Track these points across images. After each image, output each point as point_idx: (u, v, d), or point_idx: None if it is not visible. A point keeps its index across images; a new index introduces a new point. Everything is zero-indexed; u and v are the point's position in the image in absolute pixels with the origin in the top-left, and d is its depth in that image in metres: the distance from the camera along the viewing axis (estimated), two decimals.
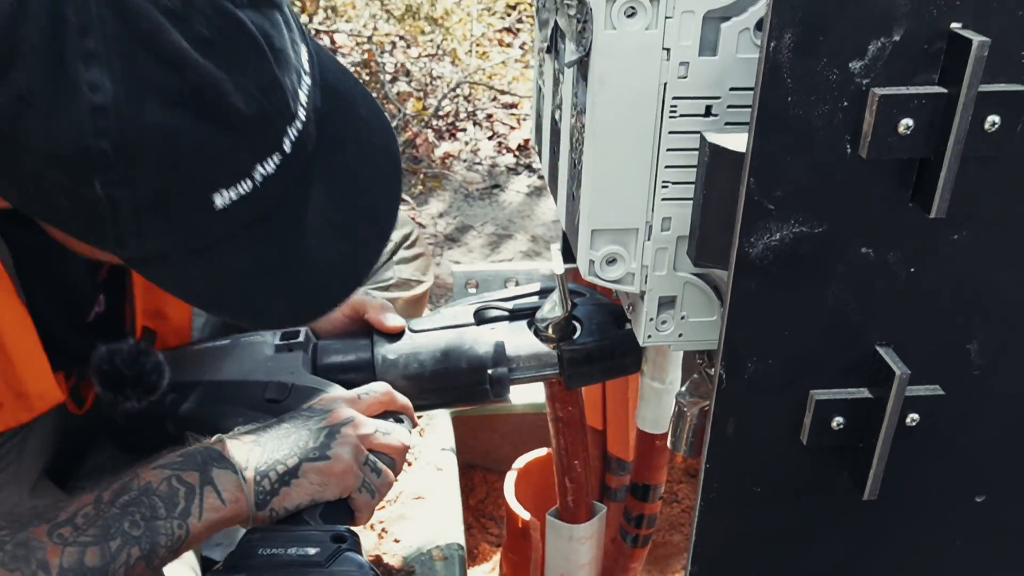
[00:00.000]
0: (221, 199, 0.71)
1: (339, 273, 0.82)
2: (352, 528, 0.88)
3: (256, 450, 0.91)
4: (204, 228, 0.72)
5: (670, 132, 0.78)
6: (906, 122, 0.61)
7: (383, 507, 1.35)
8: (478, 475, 1.79)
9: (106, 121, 0.65)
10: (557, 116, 0.94)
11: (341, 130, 0.81)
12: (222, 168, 0.70)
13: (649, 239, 0.83)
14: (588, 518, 1.27)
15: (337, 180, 0.79)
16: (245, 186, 0.71)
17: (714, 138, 0.71)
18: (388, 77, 2.67)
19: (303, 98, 0.74)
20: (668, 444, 1.02)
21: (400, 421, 1.03)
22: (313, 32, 2.66)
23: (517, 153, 2.57)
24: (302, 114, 0.74)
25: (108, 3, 0.64)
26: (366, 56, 2.68)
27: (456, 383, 1.09)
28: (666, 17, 0.74)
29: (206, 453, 0.89)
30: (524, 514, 1.34)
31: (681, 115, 0.78)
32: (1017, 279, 0.68)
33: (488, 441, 1.75)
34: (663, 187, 0.80)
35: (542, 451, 1.45)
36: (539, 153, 1.09)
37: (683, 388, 1.00)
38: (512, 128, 2.65)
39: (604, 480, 1.39)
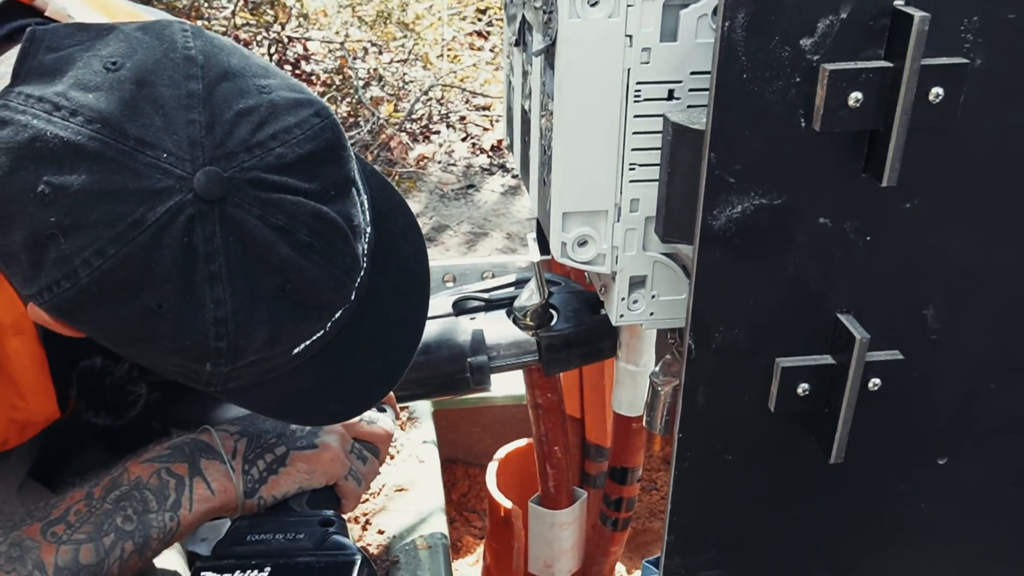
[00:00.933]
0: (299, 348, 0.81)
1: (380, 379, 0.91)
2: (339, 514, 0.90)
3: (243, 440, 0.93)
4: (281, 367, 0.82)
5: (635, 116, 0.81)
6: (855, 95, 0.64)
7: (366, 499, 1.37)
8: (460, 469, 1.81)
9: (225, 328, 0.74)
10: (527, 107, 0.96)
11: (386, 254, 0.90)
12: (307, 333, 0.80)
13: (619, 220, 0.85)
14: (570, 504, 1.30)
15: (382, 303, 0.88)
16: (318, 335, 0.81)
17: (676, 116, 0.74)
18: (361, 83, 2.69)
19: (366, 249, 0.84)
20: (643, 423, 1.05)
21: (383, 411, 1.05)
22: (286, 40, 2.68)
23: (491, 154, 2.59)
24: (364, 263, 0.84)
25: (231, 232, 0.73)
26: (339, 62, 2.70)
27: (437, 372, 1.12)
28: (628, 5, 0.76)
29: (194, 444, 0.91)
30: (506, 503, 1.37)
31: (645, 99, 0.80)
32: (968, 245, 0.72)
33: (469, 435, 1.77)
34: (630, 169, 0.83)
35: (523, 441, 1.47)
36: (511, 147, 1.12)
37: (656, 368, 1.03)
38: (485, 130, 2.67)
39: (584, 467, 1.41)
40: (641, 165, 0.83)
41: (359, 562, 0.82)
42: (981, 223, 0.71)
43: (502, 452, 1.48)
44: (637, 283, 0.89)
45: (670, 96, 0.80)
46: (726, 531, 0.83)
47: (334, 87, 2.60)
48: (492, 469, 1.45)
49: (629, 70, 0.79)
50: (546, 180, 0.89)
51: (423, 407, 1.56)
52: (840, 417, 0.73)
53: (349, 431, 0.98)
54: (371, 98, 2.58)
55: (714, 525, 0.82)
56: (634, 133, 0.82)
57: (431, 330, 1.13)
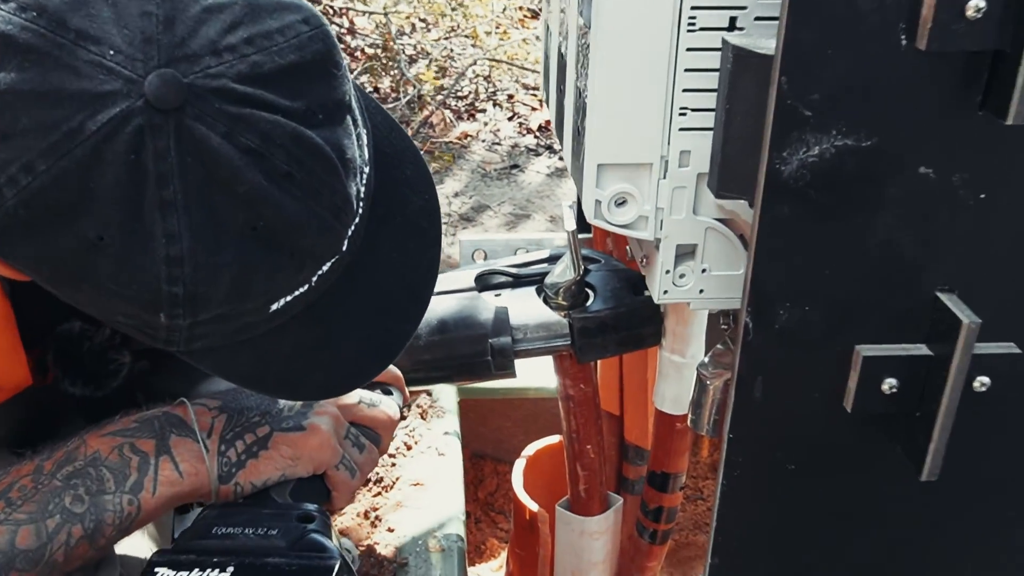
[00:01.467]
0: (277, 304, 0.69)
1: (376, 350, 0.79)
2: (324, 508, 0.77)
3: (222, 416, 0.81)
4: (256, 327, 0.70)
5: (688, 49, 0.67)
6: (976, 3, 0.49)
7: (379, 493, 1.24)
8: (488, 465, 1.68)
9: (180, 269, 0.63)
10: (563, 48, 0.83)
11: (390, 203, 0.78)
12: (285, 286, 0.69)
13: (664, 176, 0.71)
14: (602, 510, 1.16)
15: (382, 259, 0.77)
16: (301, 290, 0.70)
17: (737, 40, 0.59)
18: (407, 59, 2.57)
19: (363, 192, 0.72)
20: (688, 423, 0.91)
21: (389, 393, 0.92)
22: (331, 12, 2.57)
23: (538, 134, 2.46)
24: (360, 209, 0.72)
25: (189, 151, 0.61)
26: (384, 38, 2.58)
27: (453, 353, 0.98)
28: None
29: (165, 418, 0.79)
30: (532, 505, 1.23)
31: (701, 28, 0.66)
32: None
33: (500, 429, 1.64)
34: (680, 114, 0.69)
35: (555, 438, 1.33)
36: (547, 101, 0.98)
37: (705, 359, 0.88)
38: (534, 109, 2.54)
39: (620, 471, 1.27)
40: (694, 110, 0.69)
41: (336, 568, 0.69)
42: None
43: (531, 449, 1.34)
44: (685, 253, 0.75)
45: (731, 26, 0.66)
46: (783, 558, 0.68)
47: (378, 61, 2.48)
48: (519, 467, 1.31)
49: None
50: (580, 129, 0.75)
51: (448, 396, 1.43)
52: (937, 423, 0.58)
53: (346, 414, 0.85)
54: (415, 74, 2.46)
55: (768, 549, 0.68)
56: (686, 70, 0.68)
57: (449, 306, 1.00)
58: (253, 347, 0.71)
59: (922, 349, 0.59)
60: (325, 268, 0.70)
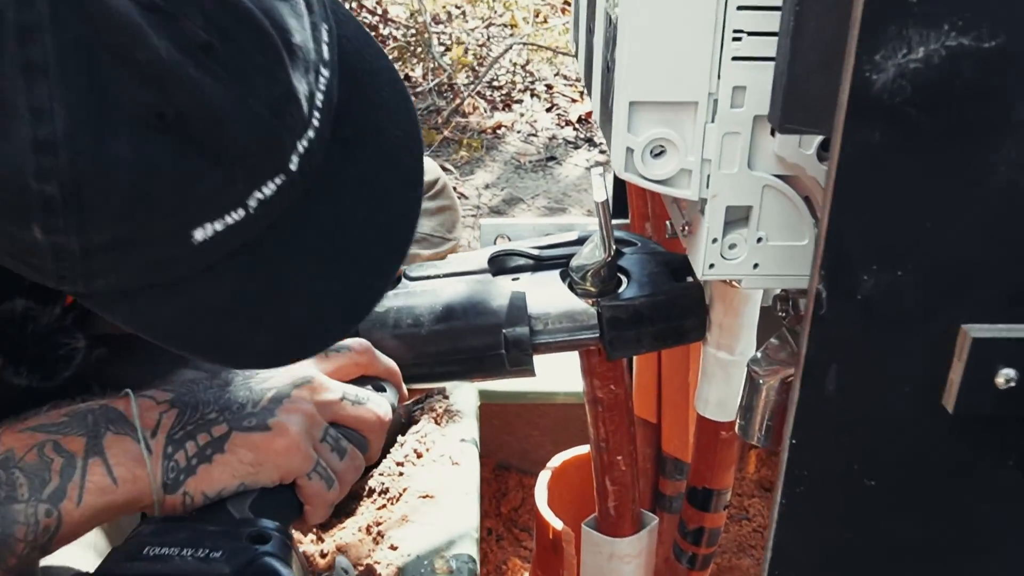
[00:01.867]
0: (203, 232, 0.56)
1: (339, 305, 0.66)
2: (287, 527, 0.64)
3: (172, 412, 0.68)
4: (177, 263, 0.58)
5: None
6: None
7: (383, 506, 1.11)
8: (513, 478, 1.55)
9: (54, 159, 0.50)
10: None
11: (359, 126, 0.65)
12: (209, 204, 0.56)
13: (713, 120, 0.58)
14: (634, 531, 1.02)
15: (347, 194, 0.64)
16: (235, 216, 0.57)
17: None
18: (441, 49, 2.47)
19: (319, 99, 0.59)
20: (736, 430, 0.77)
21: (382, 390, 0.79)
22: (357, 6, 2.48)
23: (577, 126, 2.33)
24: (316, 121, 0.59)
25: (68, 0, 0.48)
26: (418, 26, 2.48)
27: (461, 345, 0.85)
28: None
29: (101, 412, 0.67)
30: (556, 523, 1.10)
31: None
32: None
33: (526, 438, 1.51)
34: (735, 39, 0.55)
35: (585, 448, 1.20)
36: (576, 53, 0.85)
37: (757, 354, 0.74)
38: (573, 101, 2.41)
39: (657, 485, 1.14)
40: (751, 33, 0.56)
41: None
42: None
43: (557, 460, 1.21)
44: (737, 219, 0.61)
45: None
46: None
47: (409, 49, 2.37)
48: (543, 480, 1.18)
49: None
50: (611, 62, 0.62)
51: (467, 399, 1.30)
52: None
53: (324, 412, 0.71)
54: (449, 62, 2.35)
55: None
56: None
57: (457, 290, 0.87)
58: (178, 294, 0.58)
59: None
60: (268, 191, 0.56)
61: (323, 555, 1.08)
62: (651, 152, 0.59)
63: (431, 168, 1.31)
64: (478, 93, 2.28)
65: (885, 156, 0.42)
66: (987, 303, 0.45)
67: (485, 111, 2.28)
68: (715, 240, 0.61)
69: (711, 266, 0.62)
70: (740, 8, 0.55)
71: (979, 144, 0.42)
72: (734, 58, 0.56)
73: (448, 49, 2.46)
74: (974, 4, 0.39)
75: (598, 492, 1.02)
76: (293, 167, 0.57)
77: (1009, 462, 0.48)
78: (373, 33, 2.49)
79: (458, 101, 2.20)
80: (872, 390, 0.47)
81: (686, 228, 0.65)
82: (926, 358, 0.46)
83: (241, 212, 0.56)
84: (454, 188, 1.99)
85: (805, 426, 0.48)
